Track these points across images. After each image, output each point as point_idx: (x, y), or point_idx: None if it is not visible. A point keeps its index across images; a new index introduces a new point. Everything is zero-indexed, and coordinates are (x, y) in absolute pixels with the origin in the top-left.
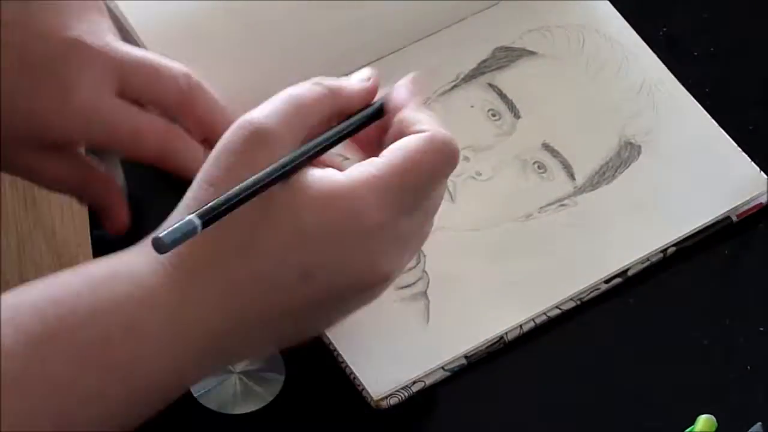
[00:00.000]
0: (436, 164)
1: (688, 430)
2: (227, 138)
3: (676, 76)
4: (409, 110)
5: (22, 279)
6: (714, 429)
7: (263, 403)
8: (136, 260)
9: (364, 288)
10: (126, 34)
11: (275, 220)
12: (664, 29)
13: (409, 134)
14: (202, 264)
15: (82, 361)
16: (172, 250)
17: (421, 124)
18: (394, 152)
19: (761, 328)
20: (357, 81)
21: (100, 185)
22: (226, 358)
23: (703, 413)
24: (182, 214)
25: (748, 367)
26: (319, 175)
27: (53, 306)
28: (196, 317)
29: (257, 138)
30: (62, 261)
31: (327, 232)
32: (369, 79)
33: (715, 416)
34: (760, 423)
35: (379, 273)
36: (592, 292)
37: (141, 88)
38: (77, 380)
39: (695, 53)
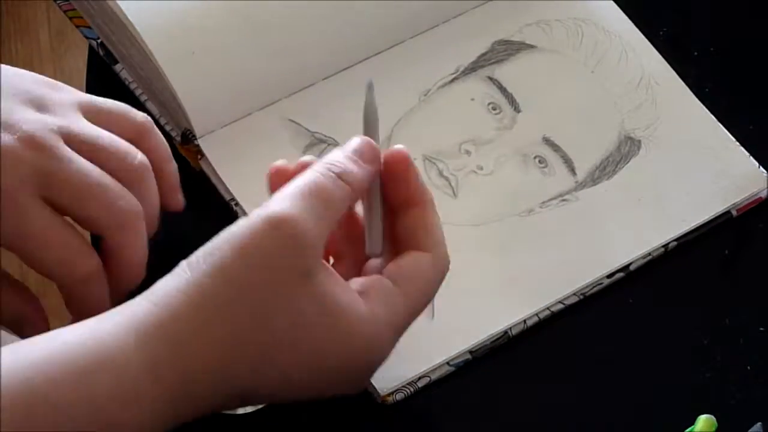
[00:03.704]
0: (438, 284)
1: (688, 430)
2: (249, 222)
3: None
4: (421, 210)
5: (23, 278)
6: (714, 429)
7: (263, 403)
8: (116, 331)
9: (365, 373)
10: (127, 34)
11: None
12: (664, 29)
13: (421, 247)
14: (185, 340)
15: None
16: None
17: (432, 236)
18: (410, 283)
19: (761, 328)
20: (363, 168)
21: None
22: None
23: (703, 413)
24: (178, 275)
25: (748, 367)
26: (346, 303)
27: (22, 384)
28: (168, 403)
29: (292, 242)
30: None
31: (338, 362)
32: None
33: (715, 416)
34: (760, 423)
35: (380, 361)
36: (595, 286)
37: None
38: None
39: (695, 53)
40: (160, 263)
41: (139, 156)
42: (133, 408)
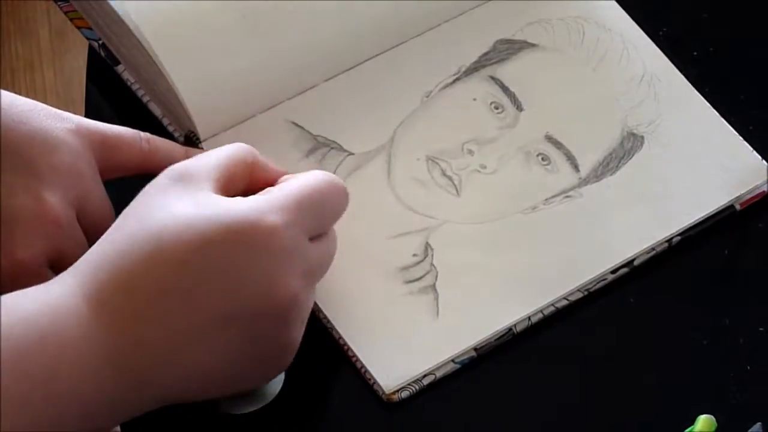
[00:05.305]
0: (329, 193)
1: (688, 430)
2: (156, 179)
3: None
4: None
5: None
6: (714, 429)
7: (264, 402)
8: (48, 285)
9: (271, 307)
10: (130, 36)
11: (183, 233)
12: (664, 29)
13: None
14: (109, 276)
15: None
16: (89, 262)
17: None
18: (287, 182)
19: (761, 328)
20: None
21: None
22: (143, 384)
23: (703, 413)
24: (101, 244)
25: (748, 367)
26: (222, 206)
27: None
28: (103, 328)
29: (173, 175)
30: None
31: (235, 245)
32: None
33: (715, 416)
34: (760, 423)
35: (286, 291)
36: (599, 282)
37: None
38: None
39: (695, 53)
40: None
41: None
42: (61, 318)
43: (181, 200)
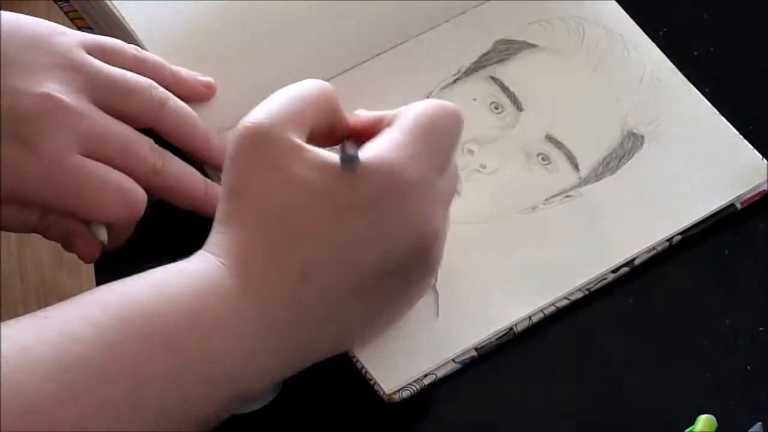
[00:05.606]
0: (445, 119)
1: (688, 430)
2: (233, 146)
3: None
4: None
5: (23, 279)
6: (714, 429)
7: (264, 402)
8: (194, 261)
9: (419, 248)
10: (127, 37)
11: (317, 205)
12: (664, 29)
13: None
14: (254, 256)
15: (150, 344)
16: (221, 249)
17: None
18: (401, 119)
19: (761, 328)
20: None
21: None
22: (298, 352)
23: (703, 413)
24: (217, 230)
25: (748, 367)
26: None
27: (117, 299)
28: (256, 306)
29: (259, 137)
30: (63, 260)
31: (371, 201)
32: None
33: (715, 416)
34: (760, 423)
35: (430, 228)
36: (599, 281)
37: (115, 103)
38: (148, 362)
39: (695, 53)
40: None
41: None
42: (211, 295)
43: (292, 165)
